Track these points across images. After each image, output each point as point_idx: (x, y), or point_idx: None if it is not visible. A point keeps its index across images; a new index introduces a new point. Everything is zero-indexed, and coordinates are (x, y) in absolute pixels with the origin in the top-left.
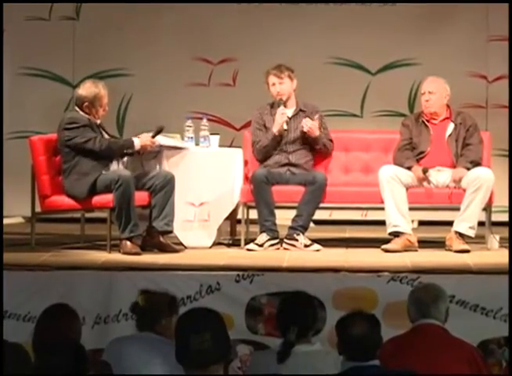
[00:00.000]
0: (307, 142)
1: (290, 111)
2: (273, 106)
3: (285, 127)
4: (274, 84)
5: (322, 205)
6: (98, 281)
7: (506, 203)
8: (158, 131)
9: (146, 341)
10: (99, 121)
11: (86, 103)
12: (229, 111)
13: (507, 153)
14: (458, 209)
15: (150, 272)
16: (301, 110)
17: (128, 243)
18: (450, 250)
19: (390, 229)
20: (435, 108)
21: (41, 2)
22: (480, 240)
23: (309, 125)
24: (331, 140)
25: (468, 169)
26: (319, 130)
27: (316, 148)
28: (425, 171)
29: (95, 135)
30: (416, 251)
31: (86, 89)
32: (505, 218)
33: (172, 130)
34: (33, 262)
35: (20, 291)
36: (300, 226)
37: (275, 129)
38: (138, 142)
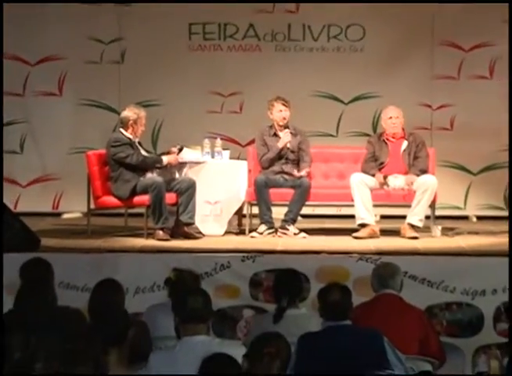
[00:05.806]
0: (296, 156)
1: (288, 134)
2: (272, 127)
3: (288, 145)
4: (281, 110)
5: (307, 203)
6: (137, 261)
7: (446, 201)
8: (180, 150)
9: None
10: (137, 140)
11: (131, 122)
12: (237, 132)
13: (447, 164)
14: (410, 206)
15: (177, 254)
16: (291, 133)
17: (161, 232)
18: (404, 237)
19: (358, 221)
20: (398, 129)
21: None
22: (426, 229)
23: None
24: (311, 159)
25: (418, 176)
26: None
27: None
28: (385, 177)
29: (134, 151)
30: (378, 238)
31: (131, 111)
32: (445, 212)
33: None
34: (89, 246)
35: (79, 269)
36: (290, 219)
37: (280, 145)
38: (165, 159)
